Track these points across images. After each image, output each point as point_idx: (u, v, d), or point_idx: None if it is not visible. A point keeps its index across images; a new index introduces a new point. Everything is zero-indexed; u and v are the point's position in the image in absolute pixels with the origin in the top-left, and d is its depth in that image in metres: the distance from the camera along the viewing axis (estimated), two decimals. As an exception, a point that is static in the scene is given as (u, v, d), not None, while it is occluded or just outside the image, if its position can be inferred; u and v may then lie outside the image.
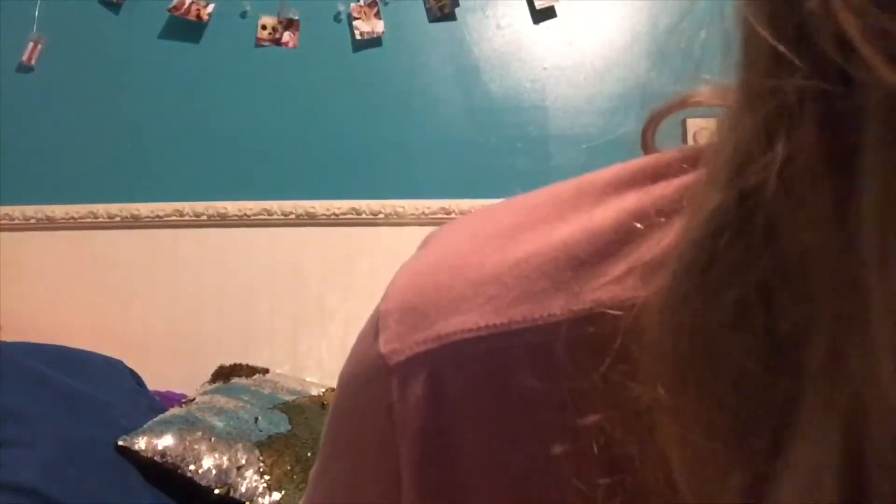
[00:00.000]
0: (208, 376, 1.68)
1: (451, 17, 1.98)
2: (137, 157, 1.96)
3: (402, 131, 1.95)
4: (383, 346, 0.27)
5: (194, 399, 1.48)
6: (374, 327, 0.28)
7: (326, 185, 1.93)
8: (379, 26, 1.97)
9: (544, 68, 1.97)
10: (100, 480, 1.19)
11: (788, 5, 0.18)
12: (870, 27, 0.16)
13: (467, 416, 0.25)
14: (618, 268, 0.24)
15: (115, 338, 1.81)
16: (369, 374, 0.28)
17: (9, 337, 1.59)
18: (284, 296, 1.89)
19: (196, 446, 1.28)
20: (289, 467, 1.31)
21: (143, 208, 1.92)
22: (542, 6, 1.97)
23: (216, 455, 1.28)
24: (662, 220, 0.24)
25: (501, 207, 0.30)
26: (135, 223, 1.92)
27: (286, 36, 1.99)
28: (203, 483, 1.25)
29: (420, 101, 1.96)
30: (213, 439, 1.30)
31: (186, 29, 1.99)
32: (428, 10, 1.98)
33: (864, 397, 0.16)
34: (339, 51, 1.98)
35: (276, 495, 1.26)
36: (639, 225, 0.24)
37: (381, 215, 1.90)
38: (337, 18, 1.99)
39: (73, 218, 1.92)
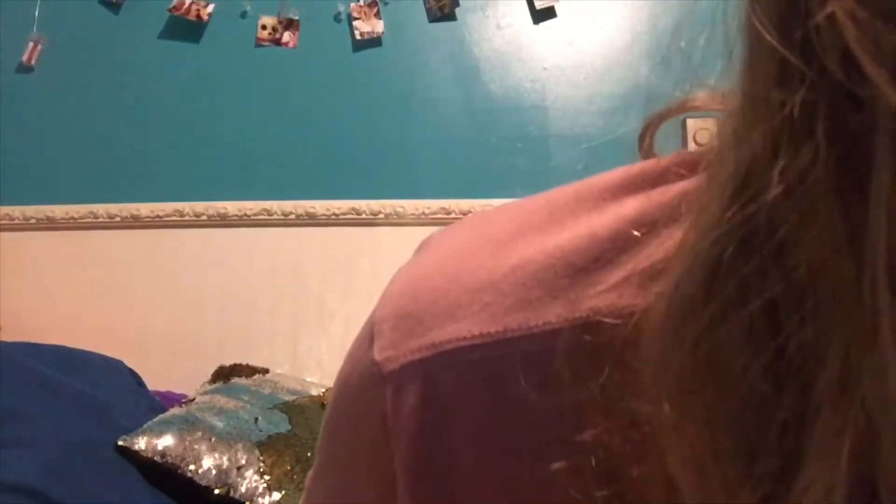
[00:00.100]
0: (208, 376, 1.68)
1: (451, 17, 1.98)
2: (137, 157, 1.96)
3: (402, 131, 1.95)
4: (378, 354, 0.27)
5: (194, 399, 1.48)
6: (369, 333, 0.28)
7: (326, 185, 1.93)
8: (379, 26, 1.97)
9: (544, 68, 1.97)
10: (100, 480, 1.19)
11: (796, 16, 0.18)
12: (877, 45, 0.16)
13: (461, 426, 0.25)
14: (615, 275, 0.24)
15: (115, 338, 1.81)
16: (364, 381, 0.28)
17: (9, 337, 1.59)
18: (284, 296, 1.89)
19: (196, 446, 1.28)
20: (289, 467, 1.31)
21: (143, 208, 1.92)
22: (542, 6, 1.97)
23: (216, 455, 1.28)
24: (661, 227, 0.24)
25: (497, 213, 0.29)
26: (135, 223, 1.93)
27: (286, 36, 1.99)
28: (203, 483, 1.25)
29: (420, 101, 1.96)
30: (213, 439, 1.30)
31: (186, 29, 1.99)
32: (428, 10, 1.98)
33: (874, 421, 0.16)
34: (339, 51, 1.98)
35: (276, 495, 1.26)
36: (636, 232, 0.24)
37: (381, 215, 1.90)
38: (337, 18, 1.99)
39: (73, 218, 1.92)
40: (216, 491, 1.25)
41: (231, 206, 1.92)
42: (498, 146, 1.94)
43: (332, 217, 1.91)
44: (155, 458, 1.26)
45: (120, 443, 1.26)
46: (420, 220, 1.89)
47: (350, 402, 0.29)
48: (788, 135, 0.18)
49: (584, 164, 1.90)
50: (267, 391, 1.55)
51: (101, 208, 1.93)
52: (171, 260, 1.92)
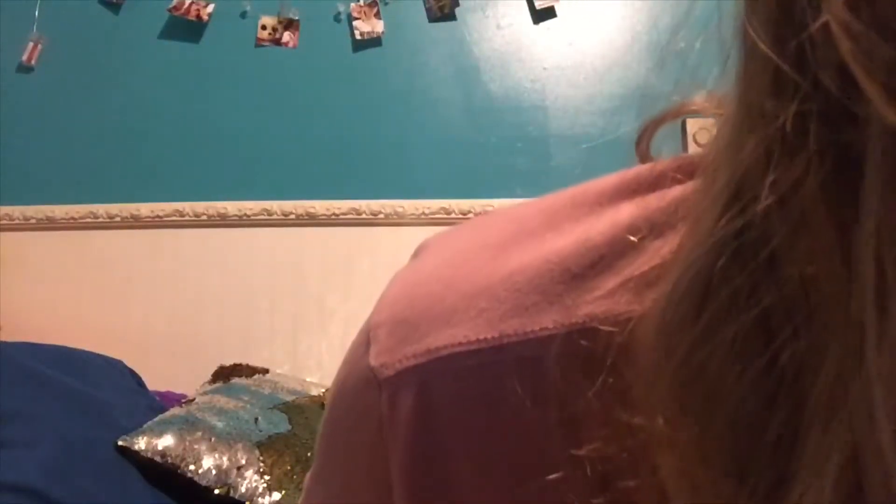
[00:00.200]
0: (208, 376, 1.68)
1: (451, 17, 1.98)
2: (137, 157, 1.96)
3: (402, 131, 1.95)
4: (374, 359, 0.27)
5: (194, 399, 1.48)
6: (366, 338, 0.28)
7: (326, 185, 1.93)
8: (379, 26, 1.97)
9: (544, 68, 1.97)
10: (100, 480, 1.19)
11: (790, 25, 0.18)
12: (871, 59, 0.16)
13: (457, 432, 0.25)
14: (612, 281, 0.24)
15: (115, 338, 1.81)
16: (360, 386, 0.27)
17: (9, 337, 1.59)
18: (284, 296, 1.89)
19: (196, 446, 1.28)
20: (289, 467, 1.31)
21: (143, 208, 1.92)
22: (542, 6, 1.97)
23: (216, 455, 1.28)
24: (657, 233, 0.24)
25: (493, 218, 0.29)
26: (135, 223, 1.92)
27: (286, 36, 1.99)
28: (203, 483, 1.25)
29: (420, 101, 1.96)
30: (213, 439, 1.30)
31: (186, 29, 1.99)
32: (428, 10, 1.98)
33: (860, 443, 0.16)
34: (339, 51, 1.98)
35: (276, 495, 1.26)
36: (633, 238, 0.24)
37: (381, 215, 1.90)
38: (337, 18, 1.99)
39: (73, 218, 1.92)
40: (216, 491, 1.25)
41: (231, 206, 1.92)
42: (498, 146, 1.94)
43: (332, 217, 1.91)
44: (155, 458, 1.26)
45: (120, 443, 1.26)
46: (420, 220, 1.89)
47: (347, 407, 0.29)
48: (781, 146, 0.18)
49: (584, 164, 1.90)
50: (267, 391, 1.55)
51: (101, 208, 1.93)
52: (171, 260, 1.92)
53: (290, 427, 1.41)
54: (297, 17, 1.98)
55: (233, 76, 1.98)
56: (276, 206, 1.91)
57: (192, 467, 1.26)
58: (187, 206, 1.92)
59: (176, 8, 1.98)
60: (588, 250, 0.25)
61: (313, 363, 1.86)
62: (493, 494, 0.25)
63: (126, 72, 1.99)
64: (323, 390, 1.62)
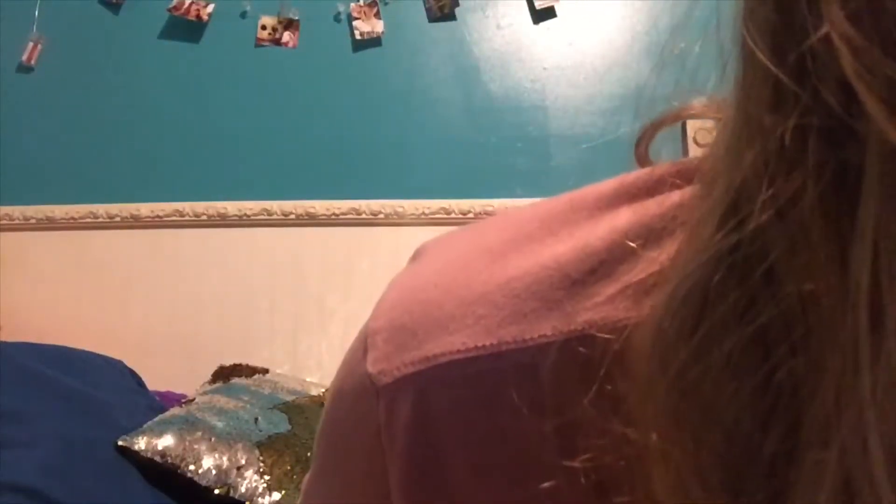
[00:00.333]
0: (208, 376, 1.68)
1: (451, 17, 1.98)
2: (137, 157, 1.96)
3: (402, 131, 1.95)
4: (371, 366, 0.27)
5: (194, 399, 1.48)
6: (363, 344, 0.28)
7: (326, 185, 1.93)
8: (379, 26, 1.97)
9: (544, 68, 1.97)
10: (100, 480, 1.19)
11: (790, 36, 0.17)
12: (873, 75, 0.15)
13: (455, 440, 0.25)
14: (611, 287, 0.24)
15: (115, 338, 1.81)
16: (357, 393, 0.27)
17: (9, 337, 1.59)
18: (284, 296, 1.89)
19: (196, 446, 1.28)
20: (289, 467, 1.31)
21: (143, 208, 1.92)
22: (542, 6, 1.97)
23: (216, 455, 1.28)
24: (656, 239, 0.24)
25: (491, 223, 0.29)
26: (135, 223, 1.92)
27: (286, 36, 1.99)
28: (203, 483, 1.25)
29: (420, 101, 1.96)
30: (213, 439, 1.30)
31: (186, 29, 1.99)
32: (428, 10, 1.98)
33: (852, 471, 0.16)
34: (339, 51, 1.98)
35: (276, 495, 1.26)
36: (632, 244, 0.24)
37: (381, 215, 1.90)
38: (337, 18, 1.99)
39: (73, 218, 1.92)
40: (216, 491, 1.25)
41: (231, 206, 1.92)
42: (498, 146, 1.94)
43: (332, 217, 1.91)
44: (155, 458, 1.26)
45: (120, 443, 1.26)
46: (420, 220, 1.89)
47: (344, 413, 0.29)
48: (779, 159, 0.17)
49: (584, 164, 1.90)
50: (267, 391, 1.55)
51: (101, 208, 1.93)
52: (171, 260, 1.92)
53: (290, 427, 1.41)
54: (297, 17, 1.98)
55: (233, 76, 1.98)
56: (276, 206, 1.91)
57: (192, 467, 1.26)
58: (187, 206, 1.92)
59: (176, 8, 1.98)
60: (587, 256, 0.24)
61: (313, 363, 1.86)
62: (490, 502, 0.24)
63: (126, 72, 1.99)
64: (323, 390, 1.62)
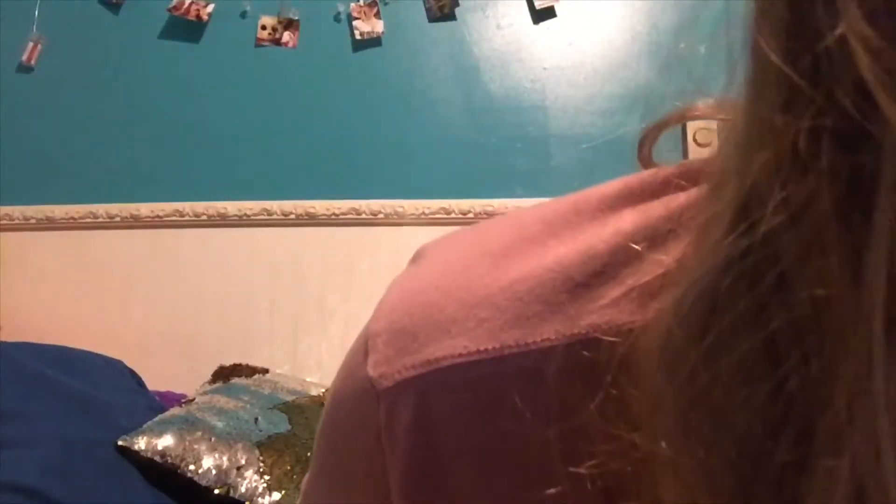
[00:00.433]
0: (208, 376, 1.68)
1: (451, 17, 1.98)
2: (137, 157, 1.96)
3: (402, 131, 1.95)
4: (372, 370, 0.26)
5: (194, 399, 1.48)
6: (364, 347, 0.27)
7: (326, 185, 1.93)
8: (379, 26, 1.97)
9: (544, 68, 1.97)
10: (100, 480, 1.19)
11: (804, 36, 0.17)
12: (891, 76, 0.15)
13: (456, 444, 0.24)
14: (615, 291, 0.23)
15: (115, 338, 1.81)
16: (357, 396, 0.27)
17: (9, 337, 1.59)
18: (284, 296, 1.89)
19: (196, 446, 1.28)
20: (289, 467, 1.31)
21: (143, 208, 1.92)
22: (542, 6, 1.97)
23: (216, 455, 1.28)
24: (661, 241, 0.23)
25: (493, 224, 0.29)
26: (135, 223, 1.92)
27: (286, 36, 1.99)
28: (203, 483, 1.25)
29: (420, 101, 1.96)
30: (213, 439, 1.30)
31: (186, 29, 1.99)
32: (428, 10, 1.98)
33: (864, 481, 0.16)
34: (339, 51, 1.98)
35: (276, 495, 1.26)
36: (636, 246, 0.23)
37: (381, 215, 1.90)
38: (337, 18, 1.99)
39: (73, 218, 1.92)
40: (216, 491, 1.25)
41: (231, 206, 1.92)
42: (498, 146, 1.94)
43: (332, 217, 1.91)
44: (155, 458, 1.26)
45: (120, 443, 1.26)
46: (420, 220, 1.89)
47: (344, 416, 0.29)
48: (792, 162, 0.17)
49: (584, 164, 1.90)
50: (267, 391, 1.55)
51: (101, 208, 1.93)
52: (171, 260, 1.92)
53: (290, 427, 1.41)
54: (296, 17, 1.98)
55: (233, 76, 1.98)
56: (276, 206, 1.91)
57: (192, 467, 1.26)
58: (187, 206, 1.92)
59: (176, 8, 1.98)
60: (591, 259, 0.24)
61: (313, 363, 1.86)
62: None
63: (126, 72, 1.99)
64: (323, 390, 1.62)
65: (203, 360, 1.75)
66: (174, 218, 1.92)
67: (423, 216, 1.89)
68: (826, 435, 0.17)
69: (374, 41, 1.98)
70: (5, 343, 1.43)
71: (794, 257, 0.17)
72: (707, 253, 0.19)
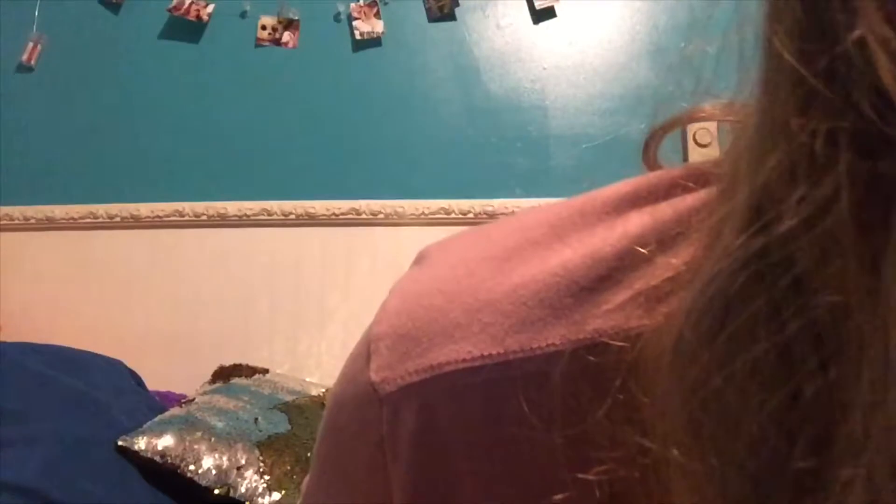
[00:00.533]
0: (208, 376, 1.68)
1: (451, 17, 1.98)
2: (137, 157, 1.96)
3: (402, 131, 1.95)
4: (374, 374, 0.26)
5: (194, 399, 1.48)
6: (366, 351, 0.27)
7: (326, 185, 1.93)
8: (379, 26, 1.97)
9: (544, 68, 1.97)
10: (100, 480, 1.19)
11: (821, 38, 0.16)
12: None
13: (461, 451, 0.24)
14: (621, 295, 0.23)
15: (115, 338, 1.81)
16: (360, 400, 0.27)
17: (9, 337, 1.59)
18: (284, 296, 1.89)
19: (196, 446, 1.28)
20: (289, 467, 1.31)
21: (143, 208, 1.92)
22: (542, 6, 1.97)
23: (216, 455, 1.28)
24: (668, 245, 0.23)
25: (497, 227, 0.28)
26: (135, 223, 1.92)
27: (286, 36, 1.99)
28: (203, 483, 1.25)
29: (420, 101, 1.96)
30: (212, 439, 1.30)
31: (186, 29, 1.99)
32: (428, 10, 1.98)
33: (882, 482, 0.15)
34: (339, 51, 1.98)
35: (276, 495, 1.26)
36: (643, 250, 0.23)
37: (381, 215, 1.90)
38: (337, 18, 1.99)
39: (73, 218, 1.92)
40: (216, 491, 1.25)
41: (231, 206, 1.92)
42: (498, 146, 1.94)
43: (332, 217, 1.91)
44: (155, 458, 1.26)
45: (120, 443, 1.26)
46: (420, 220, 1.89)
47: (346, 420, 0.28)
48: (808, 164, 0.17)
49: (584, 164, 1.90)
50: (267, 391, 1.55)
51: (101, 208, 1.93)
52: (171, 260, 1.92)
53: (289, 427, 1.41)
54: (296, 17, 1.98)
55: (233, 76, 1.98)
56: (275, 206, 1.91)
57: (191, 467, 1.26)
58: (187, 206, 1.92)
59: (176, 8, 1.98)
60: (596, 262, 0.24)
61: (313, 363, 1.86)
62: None
63: (126, 72, 1.99)
64: (323, 390, 1.62)
65: (203, 360, 1.75)
66: (174, 218, 1.92)
67: (422, 216, 1.89)
68: (842, 445, 0.16)
69: (374, 41, 1.98)
70: (5, 343, 1.43)
71: (810, 262, 0.17)
72: (719, 254, 0.19)
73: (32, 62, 1.98)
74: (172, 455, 1.26)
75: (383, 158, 1.95)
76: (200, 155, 1.96)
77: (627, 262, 0.23)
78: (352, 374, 0.28)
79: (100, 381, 1.44)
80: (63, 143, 1.96)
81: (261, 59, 1.98)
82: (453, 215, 1.88)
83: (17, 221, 1.92)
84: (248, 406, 1.44)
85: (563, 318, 0.23)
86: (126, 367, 1.62)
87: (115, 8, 2.01)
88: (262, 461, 1.30)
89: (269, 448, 1.33)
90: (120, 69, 1.99)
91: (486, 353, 0.24)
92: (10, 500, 1.06)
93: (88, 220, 1.92)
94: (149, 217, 1.92)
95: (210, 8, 1.98)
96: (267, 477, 1.28)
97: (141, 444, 1.27)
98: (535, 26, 1.98)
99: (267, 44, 1.99)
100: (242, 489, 1.26)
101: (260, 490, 1.26)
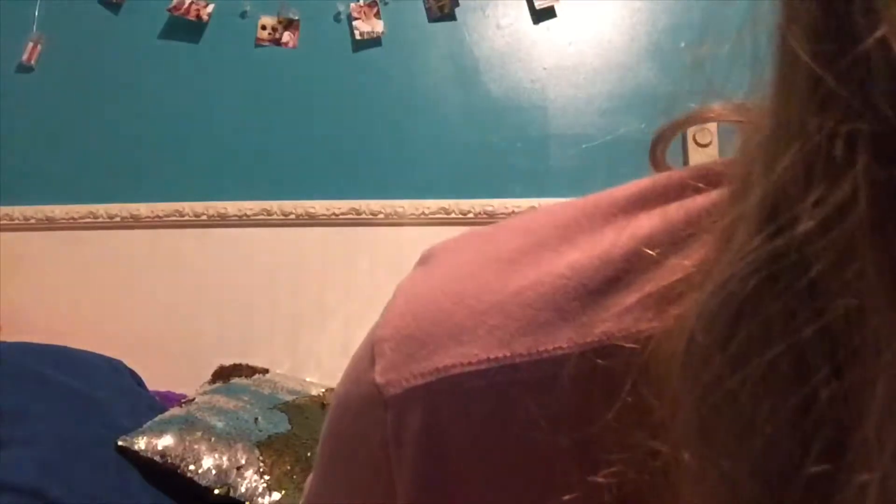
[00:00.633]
0: (208, 376, 1.68)
1: (451, 17, 1.98)
2: (137, 157, 1.96)
3: (402, 131, 1.95)
4: (379, 376, 0.26)
5: (194, 399, 1.48)
6: (370, 352, 0.27)
7: (326, 185, 1.93)
8: (379, 26, 1.97)
9: (544, 68, 1.97)
10: (100, 480, 1.19)
11: (840, 37, 0.16)
12: None
13: (467, 453, 0.24)
14: (630, 298, 0.23)
15: (115, 338, 1.81)
16: (364, 402, 0.27)
17: (9, 337, 1.59)
18: (284, 296, 1.89)
19: (196, 446, 1.28)
20: (289, 467, 1.31)
21: (143, 208, 1.92)
22: (542, 6, 1.97)
23: (216, 455, 1.28)
24: (678, 247, 0.23)
25: (503, 228, 0.28)
26: (135, 223, 1.92)
27: (286, 36, 1.99)
28: (203, 483, 1.25)
29: (420, 101, 1.96)
30: (212, 439, 1.30)
31: (186, 29, 1.99)
32: (428, 10, 1.98)
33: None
34: (339, 51, 1.98)
35: (276, 495, 1.26)
36: (652, 252, 0.23)
37: (381, 215, 1.90)
38: (337, 18, 1.99)
39: (73, 218, 1.92)
40: (216, 491, 1.25)
41: (231, 206, 1.92)
42: (498, 146, 1.94)
43: (332, 217, 1.91)
44: (155, 458, 1.26)
45: (120, 443, 1.26)
46: (420, 220, 1.89)
47: (350, 422, 0.28)
48: (825, 166, 0.16)
49: (584, 165, 1.90)
50: (267, 391, 1.55)
51: (101, 208, 1.93)
52: (171, 260, 1.92)
53: (290, 427, 1.41)
54: (296, 17, 1.98)
55: (233, 76, 1.98)
56: (276, 206, 1.91)
57: (191, 467, 1.26)
58: (187, 206, 1.92)
59: (176, 8, 1.98)
60: (604, 264, 0.24)
61: (313, 363, 1.86)
62: None
63: (126, 72, 1.99)
64: (323, 390, 1.62)
65: (203, 360, 1.75)
66: (174, 218, 1.92)
67: (422, 216, 1.89)
68: (856, 451, 0.16)
69: (374, 41, 1.98)
70: (5, 343, 1.43)
71: (826, 265, 0.16)
72: (732, 256, 0.18)
73: (32, 62, 1.98)
74: (172, 455, 1.26)
75: (383, 158, 1.95)
76: (200, 155, 1.96)
77: (635, 264, 0.23)
78: (356, 376, 0.28)
79: (100, 381, 1.44)
80: (63, 143, 1.96)
81: (261, 59, 1.98)
82: (453, 215, 1.88)
83: (17, 221, 1.92)
84: (248, 406, 1.44)
85: (571, 320, 0.23)
86: (126, 367, 1.62)
87: (115, 8, 2.01)
88: (262, 461, 1.30)
89: (269, 448, 1.33)
90: (120, 69, 1.99)
91: (492, 356, 0.24)
92: (9, 501, 1.06)
93: (88, 220, 1.93)
94: (149, 217, 1.92)
95: (210, 8, 1.98)
96: (267, 477, 1.28)
97: (141, 444, 1.27)
98: (535, 26, 1.98)
99: (267, 44, 1.99)
100: (242, 489, 1.26)
101: (260, 490, 1.26)
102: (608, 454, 0.22)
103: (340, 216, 1.91)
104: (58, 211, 1.93)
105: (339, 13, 1.99)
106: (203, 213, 1.92)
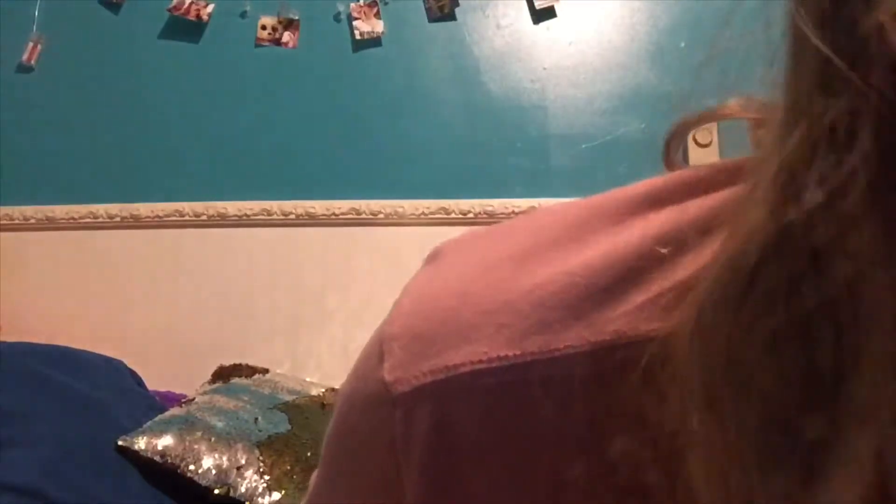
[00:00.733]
0: (208, 376, 1.68)
1: (451, 17, 1.98)
2: (137, 157, 1.96)
3: (402, 131, 1.95)
4: (387, 374, 0.26)
5: (194, 399, 1.48)
6: (379, 350, 0.27)
7: (326, 185, 1.93)
8: (379, 26, 1.97)
9: (544, 68, 1.97)
10: (100, 480, 1.19)
11: (841, 20, 0.17)
12: None
13: (476, 452, 0.24)
14: (641, 296, 0.23)
15: (115, 338, 1.81)
16: (372, 400, 0.27)
17: (9, 337, 1.59)
18: (284, 296, 1.89)
19: (196, 446, 1.28)
20: (289, 467, 1.31)
21: (143, 208, 1.92)
22: (542, 6, 1.97)
23: (216, 455, 1.28)
24: (689, 245, 0.23)
25: (512, 227, 0.28)
26: (135, 223, 1.92)
27: (286, 36, 1.99)
28: (203, 483, 1.25)
29: (420, 101, 1.96)
30: (212, 439, 1.30)
31: (186, 29, 1.99)
32: (428, 10, 1.98)
33: (888, 463, 0.16)
34: (339, 51, 1.98)
35: (276, 495, 1.26)
36: (663, 250, 0.23)
37: (381, 215, 1.90)
38: (337, 18, 1.99)
39: (73, 218, 1.92)
40: (216, 491, 1.25)
41: (231, 206, 1.92)
42: (498, 146, 1.94)
43: (332, 217, 1.91)
44: (155, 458, 1.26)
45: (120, 443, 1.26)
46: (420, 220, 1.89)
47: (357, 420, 0.28)
48: (829, 142, 0.17)
49: (584, 164, 1.90)
50: (267, 391, 1.55)
51: (101, 208, 1.93)
52: (171, 260, 1.92)
53: (290, 427, 1.41)
54: (296, 17, 1.98)
55: (233, 76, 1.98)
56: (275, 206, 1.91)
57: (191, 467, 1.26)
58: (187, 206, 1.92)
59: (176, 8, 1.98)
60: (615, 263, 0.24)
61: (313, 363, 1.86)
62: None
63: (126, 72, 1.99)
64: (323, 390, 1.62)
65: (203, 360, 1.75)
66: (174, 218, 1.92)
67: (422, 216, 1.89)
68: (853, 414, 0.17)
69: (374, 41, 1.98)
70: (5, 343, 1.43)
71: (829, 236, 0.17)
72: (743, 233, 0.19)
73: (32, 62, 1.98)
74: (172, 455, 1.26)
75: (383, 158, 1.95)
76: (200, 155, 1.96)
77: (646, 263, 0.23)
78: (363, 373, 0.28)
79: (100, 381, 1.44)
80: (63, 143, 1.96)
81: (261, 59, 1.98)
82: (453, 215, 1.88)
83: (17, 221, 1.92)
84: (248, 406, 1.44)
85: (583, 319, 0.23)
86: (126, 367, 1.62)
87: (115, 8, 2.01)
88: (262, 461, 1.30)
89: (269, 448, 1.33)
90: (120, 69, 1.99)
91: (502, 355, 0.24)
92: (9, 501, 1.06)
93: (88, 220, 1.92)
94: (149, 217, 1.92)
95: (210, 8, 1.98)
96: (267, 477, 1.28)
97: (141, 443, 1.27)
98: (535, 26, 1.98)
99: (267, 44, 1.99)
100: (242, 489, 1.26)
101: (260, 490, 1.26)
102: (618, 454, 0.22)
103: (340, 216, 1.91)
104: (58, 211, 1.93)
105: (339, 13, 1.99)
106: (203, 213, 1.92)
